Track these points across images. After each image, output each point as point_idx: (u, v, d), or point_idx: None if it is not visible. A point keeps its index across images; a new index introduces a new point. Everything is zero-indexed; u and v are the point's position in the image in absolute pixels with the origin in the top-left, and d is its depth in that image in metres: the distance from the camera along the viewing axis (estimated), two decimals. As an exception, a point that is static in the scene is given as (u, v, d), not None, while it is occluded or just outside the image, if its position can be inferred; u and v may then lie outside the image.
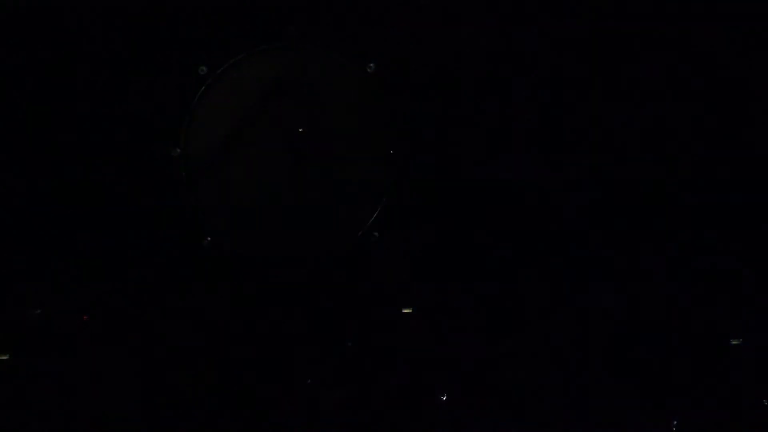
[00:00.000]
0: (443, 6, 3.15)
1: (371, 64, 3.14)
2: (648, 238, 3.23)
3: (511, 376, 3.10)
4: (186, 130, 3.14)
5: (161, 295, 3.19)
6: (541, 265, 3.23)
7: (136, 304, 3.19)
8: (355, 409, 3.02)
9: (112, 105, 3.16)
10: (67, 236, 3.18)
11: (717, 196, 3.21)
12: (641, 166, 3.22)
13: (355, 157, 3.15)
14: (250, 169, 3.14)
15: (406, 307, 3.21)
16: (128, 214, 3.18)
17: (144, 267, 3.19)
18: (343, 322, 3.19)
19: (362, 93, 3.15)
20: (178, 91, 3.14)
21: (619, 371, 3.12)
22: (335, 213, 3.16)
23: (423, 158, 3.20)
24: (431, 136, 3.20)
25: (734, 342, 3.15)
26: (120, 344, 3.15)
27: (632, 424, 2.99)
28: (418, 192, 3.20)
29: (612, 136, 3.21)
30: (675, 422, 2.96)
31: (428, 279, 3.23)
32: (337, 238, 3.18)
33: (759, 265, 3.22)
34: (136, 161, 3.17)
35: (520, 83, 3.18)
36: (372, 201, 3.17)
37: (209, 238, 3.17)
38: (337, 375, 3.10)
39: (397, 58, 3.16)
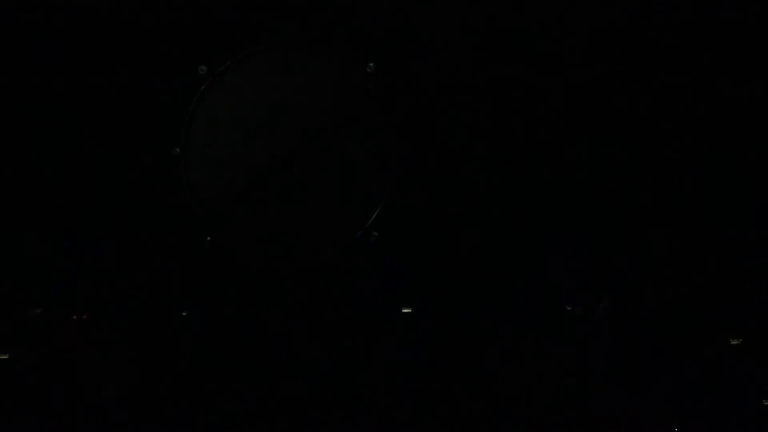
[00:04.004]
0: (443, 5, 3.16)
1: (371, 64, 3.14)
2: (648, 238, 3.23)
3: (511, 377, 3.10)
4: (186, 130, 3.14)
5: (161, 294, 3.20)
6: (541, 265, 3.23)
7: (136, 304, 3.19)
8: (355, 409, 3.02)
9: (111, 105, 3.16)
10: (67, 236, 3.18)
11: (717, 196, 3.21)
12: (641, 166, 3.22)
13: (355, 157, 3.15)
14: (249, 168, 3.14)
15: (406, 307, 3.21)
16: (128, 214, 3.18)
17: (144, 267, 3.20)
18: (342, 322, 3.19)
19: (362, 93, 3.15)
20: (178, 91, 3.14)
21: (619, 372, 3.12)
22: (335, 213, 3.16)
23: (423, 158, 3.20)
24: (431, 136, 3.20)
25: (734, 342, 3.15)
26: (120, 344, 3.15)
27: (632, 424, 2.99)
28: (418, 192, 3.20)
29: (615, 138, 3.21)
30: (676, 430, 2.97)
31: (428, 279, 3.23)
32: (337, 238, 3.18)
33: (759, 265, 3.22)
34: (136, 161, 3.17)
35: (521, 82, 3.18)
36: (372, 201, 3.17)
37: (209, 238, 3.17)
38: (337, 375, 3.10)
39: (397, 58, 3.16)
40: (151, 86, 3.16)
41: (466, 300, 3.22)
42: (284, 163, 3.14)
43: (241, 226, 3.16)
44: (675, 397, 3.04)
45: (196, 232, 3.17)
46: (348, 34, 3.16)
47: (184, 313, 3.20)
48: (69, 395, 3.05)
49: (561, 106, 3.19)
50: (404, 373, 3.10)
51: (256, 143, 3.14)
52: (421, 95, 3.18)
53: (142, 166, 3.17)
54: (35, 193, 3.18)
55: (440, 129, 3.21)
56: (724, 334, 3.17)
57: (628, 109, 3.20)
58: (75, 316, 3.17)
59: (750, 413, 3.02)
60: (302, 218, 3.15)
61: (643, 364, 3.13)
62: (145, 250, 3.19)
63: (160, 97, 3.15)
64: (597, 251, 3.24)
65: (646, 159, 3.21)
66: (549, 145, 3.20)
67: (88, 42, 3.15)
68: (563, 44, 3.17)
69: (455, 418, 3.00)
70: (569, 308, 3.22)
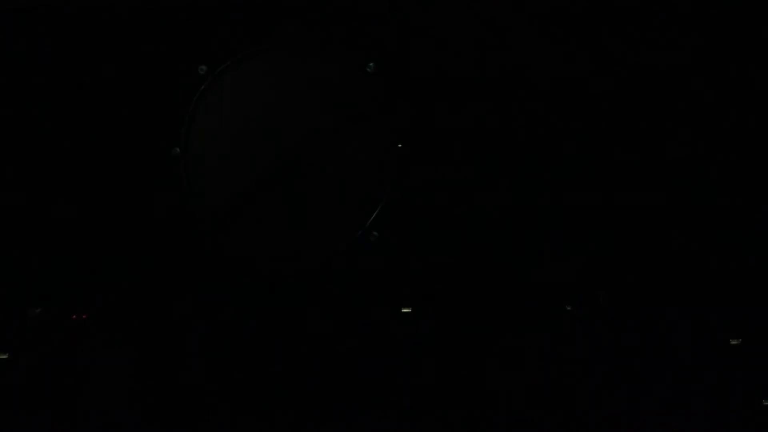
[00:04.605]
0: (444, 5, 3.16)
1: (371, 64, 3.14)
2: (647, 237, 3.23)
3: (511, 377, 3.09)
4: (186, 130, 3.14)
5: (161, 294, 3.20)
6: (541, 265, 3.23)
7: (136, 304, 3.19)
8: (353, 410, 3.02)
9: (111, 105, 3.16)
10: (67, 236, 3.18)
11: (716, 196, 3.22)
12: (641, 165, 3.22)
13: (355, 157, 3.15)
14: (249, 168, 3.14)
15: (405, 307, 3.21)
16: (128, 213, 3.18)
17: (143, 267, 3.20)
18: (342, 322, 3.19)
19: (362, 93, 3.15)
20: (178, 91, 3.14)
21: (619, 372, 3.12)
22: (335, 213, 3.16)
23: (423, 157, 3.20)
24: (431, 136, 3.20)
25: (734, 342, 3.15)
26: (120, 344, 3.15)
27: (632, 424, 2.99)
28: (418, 192, 3.20)
29: (613, 140, 3.21)
30: (675, 430, 2.96)
31: (428, 279, 3.23)
32: (336, 238, 3.18)
33: (759, 265, 3.22)
34: (136, 161, 3.17)
35: (521, 82, 3.18)
36: (372, 201, 3.17)
37: (209, 238, 3.17)
38: (336, 375, 3.10)
39: (397, 58, 3.16)
40: (151, 86, 3.15)
41: (466, 300, 3.22)
42: (284, 162, 3.14)
43: (241, 225, 3.16)
44: (675, 397, 3.04)
45: (195, 232, 3.17)
46: (348, 34, 3.16)
47: (184, 314, 3.20)
48: (69, 395, 3.04)
49: (562, 106, 3.19)
50: (404, 373, 3.10)
51: (255, 143, 3.14)
52: (421, 95, 3.18)
53: (142, 166, 3.17)
54: (35, 193, 3.18)
55: (440, 128, 3.21)
56: (724, 334, 3.17)
57: (629, 109, 3.20)
58: (75, 316, 3.17)
59: (750, 413, 3.01)
60: (302, 218, 3.15)
61: (643, 364, 3.13)
62: (145, 250, 3.19)
63: (160, 97, 3.15)
64: (596, 251, 3.24)
65: (645, 158, 3.21)
66: (550, 145, 3.20)
67: (88, 42, 3.15)
68: (565, 44, 3.17)
69: (455, 418, 3.00)
70: (569, 308, 3.22)
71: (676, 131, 3.21)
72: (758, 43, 3.16)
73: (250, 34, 3.15)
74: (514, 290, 3.23)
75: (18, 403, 3.02)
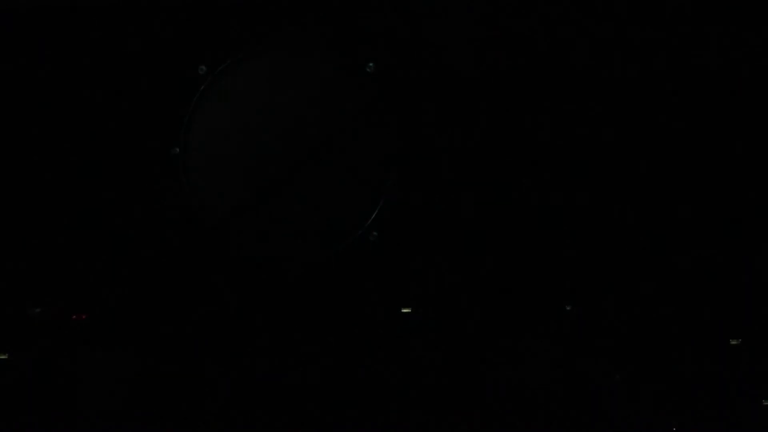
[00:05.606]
0: (444, 5, 3.16)
1: (371, 64, 3.14)
2: (647, 237, 3.23)
3: (511, 377, 3.09)
4: (185, 129, 3.14)
5: (161, 294, 3.20)
6: (542, 264, 3.23)
7: (136, 303, 3.19)
8: (353, 410, 3.02)
9: (111, 104, 3.16)
10: (67, 236, 3.18)
11: (715, 195, 3.21)
12: (640, 166, 3.22)
13: (355, 156, 3.15)
14: (249, 168, 3.14)
15: (405, 307, 3.21)
16: (128, 213, 3.18)
17: (143, 266, 3.20)
18: (342, 322, 3.19)
19: (362, 93, 3.15)
20: (178, 91, 3.14)
21: (620, 372, 3.11)
22: (334, 213, 3.16)
23: (423, 158, 3.20)
24: (431, 136, 3.20)
25: (734, 342, 3.15)
26: (120, 344, 3.15)
27: (632, 424, 2.99)
28: (418, 192, 3.20)
29: (613, 140, 3.21)
30: (674, 430, 2.97)
31: (428, 279, 3.23)
32: (336, 237, 3.18)
33: (759, 265, 3.22)
34: (136, 161, 3.17)
35: (521, 82, 3.18)
36: (372, 201, 3.17)
37: (209, 237, 3.17)
38: (335, 375, 3.10)
39: (397, 58, 3.16)
40: (151, 86, 3.15)
41: (466, 300, 3.22)
42: (283, 162, 3.14)
43: (240, 225, 3.16)
44: (675, 397, 3.04)
45: (195, 232, 3.17)
46: (348, 34, 3.16)
47: (184, 314, 3.20)
48: (69, 395, 3.05)
49: (562, 105, 3.19)
50: (404, 373, 3.10)
51: (255, 143, 3.14)
52: (421, 95, 3.18)
53: (141, 166, 3.17)
54: (35, 193, 3.18)
55: (441, 128, 3.20)
56: (724, 334, 3.17)
57: (629, 109, 3.20)
58: (75, 316, 3.18)
59: (750, 413, 3.01)
60: (301, 218, 3.15)
61: (643, 364, 3.13)
62: (144, 250, 3.19)
63: (160, 97, 3.15)
64: (597, 251, 3.24)
65: (645, 158, 3.21)
66: (550, 145, 3.20)
67: (88, 42, 3.15)
68: (565, 43, 3.17)
69: (455, 418, 2.99)
70: (569, 308, 3.22)
71: (676, 132, 3.21)
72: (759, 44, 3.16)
73: (250, 34, 3.15)
74: (514, 290, 3.23)
75: (18, 403, 3.02)
